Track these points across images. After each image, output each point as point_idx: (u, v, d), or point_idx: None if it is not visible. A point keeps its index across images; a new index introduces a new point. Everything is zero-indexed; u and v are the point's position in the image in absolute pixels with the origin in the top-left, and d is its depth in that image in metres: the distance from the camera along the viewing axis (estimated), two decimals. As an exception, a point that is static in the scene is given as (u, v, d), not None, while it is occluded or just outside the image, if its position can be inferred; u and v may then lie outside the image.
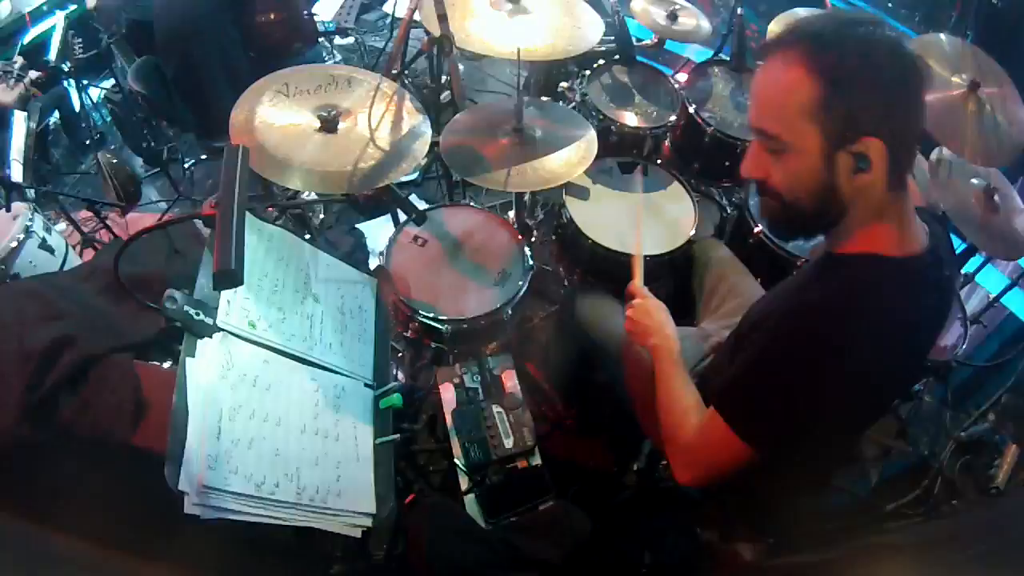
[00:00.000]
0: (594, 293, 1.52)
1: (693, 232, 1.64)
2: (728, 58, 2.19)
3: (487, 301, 1.49)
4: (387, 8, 3.15)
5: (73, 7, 2.79)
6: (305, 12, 2.51)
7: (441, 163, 1.88)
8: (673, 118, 1.96)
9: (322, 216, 2.43)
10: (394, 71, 1.79)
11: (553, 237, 1.83)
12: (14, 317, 1.12)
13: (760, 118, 0.85)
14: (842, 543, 1.68)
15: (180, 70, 2.13)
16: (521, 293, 1.51)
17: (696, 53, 3.14)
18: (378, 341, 1.23)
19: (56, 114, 2.91)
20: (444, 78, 1.92)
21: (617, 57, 2.09)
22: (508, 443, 1.26)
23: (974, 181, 1.71)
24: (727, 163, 1.93)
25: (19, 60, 2.28)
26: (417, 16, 1.70)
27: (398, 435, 1.11)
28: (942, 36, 1.70)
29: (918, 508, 1.86)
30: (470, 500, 1.24)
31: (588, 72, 2.04)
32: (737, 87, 2.06)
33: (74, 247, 2.09)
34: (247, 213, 0.94)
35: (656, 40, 2.24)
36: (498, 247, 1.62)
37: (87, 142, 2.94)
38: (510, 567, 1.17)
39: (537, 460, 1.28)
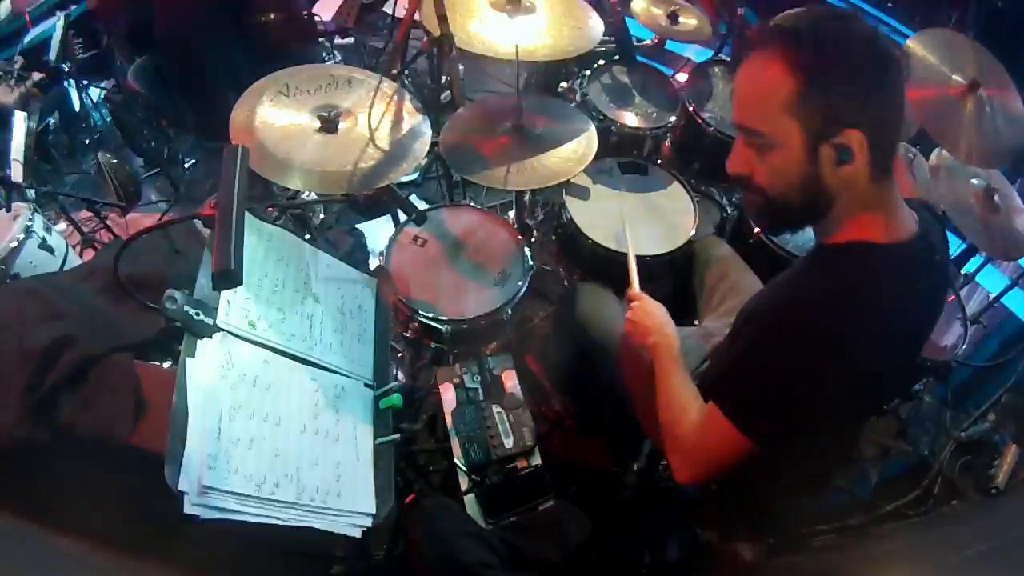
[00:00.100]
0: (593, 288, 1.52)
1: (693, 232, 1.64)
2: (728, 58, 2.19)
3: (487, 301, 1.49)
4: (387, 8, 3.15)
5: (73, 7, 2.79)
6: (305, 12, 2.51)
7: (441, 163, 1.88)
8: (673, 118, 1.97)
9: (322, 216, 2.43)
10: (394, 71, 1.79)
11: (553, 237, 1.83)
12: (14, 317, 1.12)
13: (742, 115, 0.86)
14: (842, 543, 1.68)
15: (180, 70, 2.14)
16: (521, 293, 1.51)
17: (696, 53, 3.14)
18: (378, 341, 1.23)
19: (56, 114, 2.91)
20: (444, 78, 1.91)
21: (617, 57, 2.09)
22: (508, 443, 1.26)
23: (974, 181, 1.71)
24: (727, 173, 1.92)
25: (19, 60, 2.29)
26: (417, 16, 1.70)
27: (398, 435, 1.11)
28: (943, 32, 1.70)
29: (918, 508, 1.86)
30: (470, 500, 1.24)
31: (588, 72, 2.04)
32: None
33: (74, 247, 2.09)
34: (247, 213, 0.94)
35: (656, 40, 2.24)
36: (498, 247, 1.62)
37: (87, 142, 2.94)
38: (510, 567, 1.17)
39: (537, 460, 1.28)
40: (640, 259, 1.35)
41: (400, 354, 1.73)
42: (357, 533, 0.96)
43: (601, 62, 2.08)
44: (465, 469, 1.25)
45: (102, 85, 2.89)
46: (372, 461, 1.05)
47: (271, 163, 1.30)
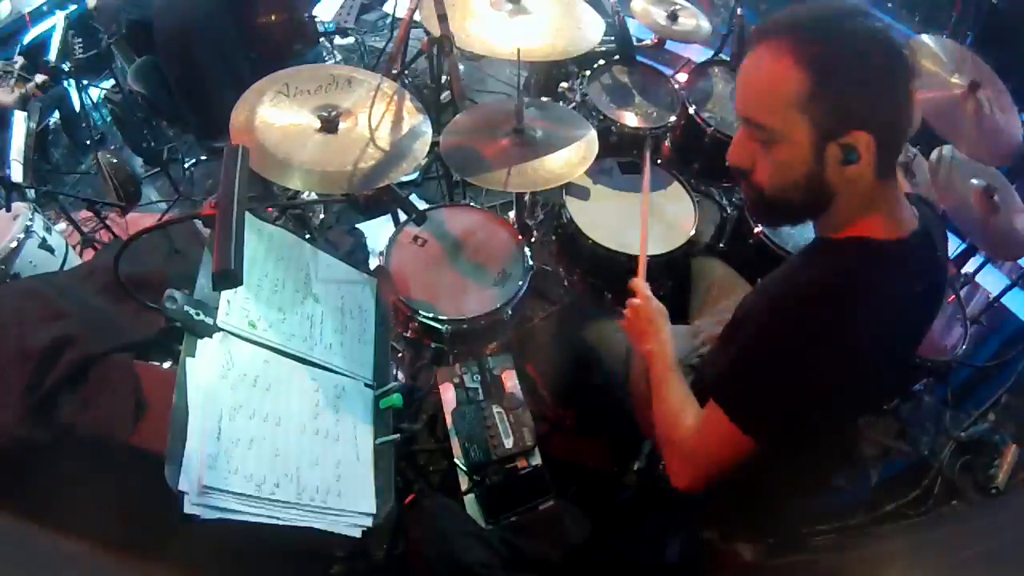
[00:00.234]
0: (599, 315, 1.51)
1: (693, 232, 1.64)
2: (728, 58, 2.19)
3: (487, 301, 1.49)
4: (387, 8, 3.15)
5: (73, 7, 2.79)
6: (305, 13, 2.51)
7: (441, 163, 1.88)
8: (673, 118, 1.96)
9: (322, 216, 2.43)
10: (394, 71, 1.80)
11: (553, 237, 1.83)
12: (14, 317, 1.13)
13: (748, 108, 0.84)
14: (842, 543, 1.68)
15: (180, 70, 2.13)
16: (521, 293, 1.51)
17: (696, 53, 3.14)
18: (378, 341, 1.23)
19: (56, 114, 2.91)
20: (444, 78, 1.92)
21: (617, 57, 2.09)
22: (508, 443, 1.25)
23: (974, 181, 1.71)
24: (727, 163, 1.92)
25: (19, 60, 2.29)
26: (417, 16, 1.70)
27: (398, 435, 1.11)
28: (937, 39, 1.72)
29: (918, 508, 1.86)
30: (470, 500, 1.24)
31: (588, 72, 2.04)
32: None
33: (74, 247, 2.10)
34: (247, 213, 0.94)
35: (656, 40, 2.24)
36: (498, 247, 1.62)
37: (87, 142, 2.94)
38: (510, 567, 1.17)
39: (537, 460, 1.27)
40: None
41: (400, 354, 1.73)
42: (357, 533, 0.96)
43: (601, 62, 2.08)
44: (465, 469, 1.24)
45: (102, 85, 2.89)
46: (372, 461, 1.05)
47: (271, 163, 1.30)
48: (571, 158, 1.52)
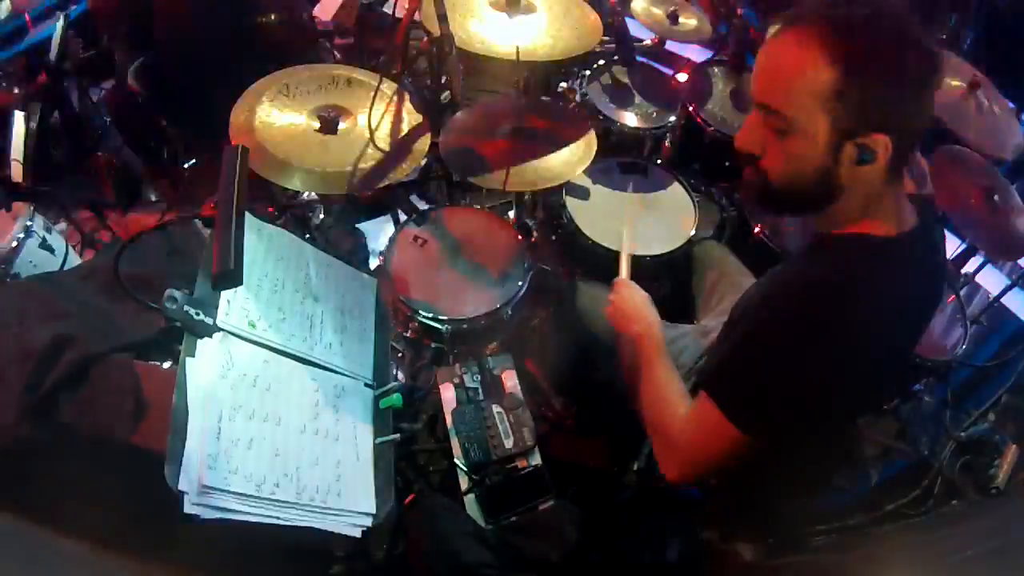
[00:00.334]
0: (591, 285, 1.52)
1: (693, 232, 1.64)
2: (728, 58, 2.19)
3: (487, 301, 1.49)
4: (387, 8, 3.15)
5: (73, 7, 2.79)
6: (305, 13, 2.51)
7: (441, 163, 1.88)
8: (673, 118, 1.96)
9: (322, 216, 2.43)
10: (394, 71, 1.79)
11: (553, 237, 1.83)
12: (14, 317, 1.12)
13: (765, 92, 0.82)
14: (842, 543, 1.68)
15: (180, 70, 2.13)
16: (521, 293, 1.51)
17: (696, 53, 3.13)
18: (378, 341, 1.23)
19: (56, 114, 2.90)
20: (444, 78, 1.91)
21: (617, 57, 2.09)
22: (508, 443, 1.25)
23: (974, 181, 1.71)
24: (727, 163, 1.93)
25: (19, 60, 2.29)
26: (417, 16, 1.70)
27: (398, 435, 1.11)
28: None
29: (918, 508, 1.86)
30: (470, 500, 1.24)
31: (588, 72, 2.04)
32: (737, 87, 2.06)
33: (74, 247, 2.09)
34: (247, 213, 0.94)
35: (656, 40, 2.24)
36: (498, 247, 1.62)
37: (87, 142, 2.94)
38: (510, 567, 1.17)
39: (537, 460, 1.27)
40: (640, 259, 1.36)
41: (400, 354, 1.73)
42: (357, 533, 0.96)
43: (601, 62, 2.08)
44: (465, 469, 1.24)
45: (102, 85, 2.89)
46: (372, 461, 1.05)
47: (271, 163, 1.31)
48: (571, 157, 1.52)
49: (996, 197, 1.68)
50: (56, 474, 1.02)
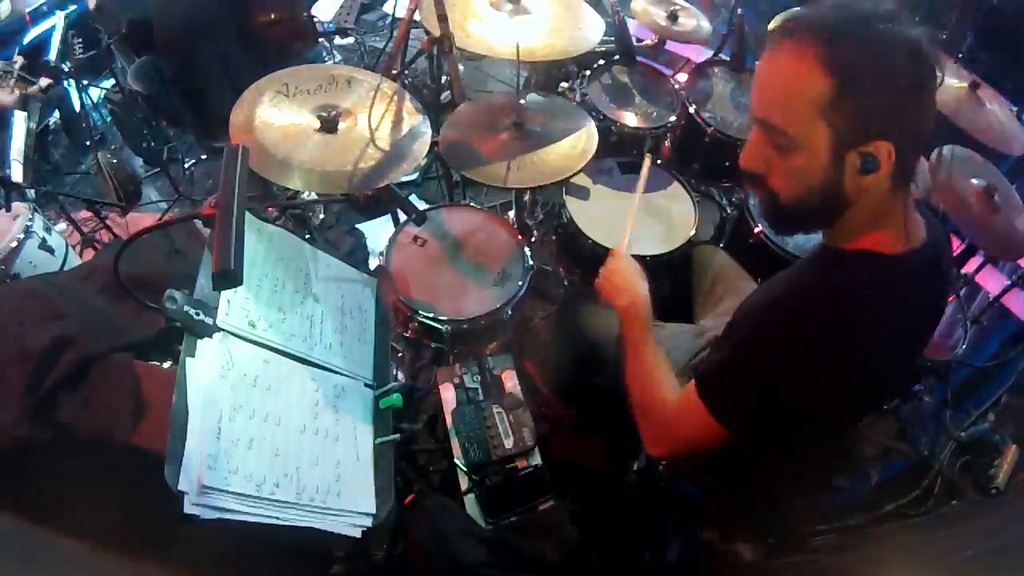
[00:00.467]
0: (597, 303, 1.52)
1: (693, 232, 1.64)
2: (728, 58, 2.19)
3: (487, 301, 1.49)
4: (387, 8, 3.15)
5: (73, 7, 2.79)
6: (305, 13, 2.51)
7: (441, 163, 1.88)
8: (673, 118, 1.96)
9: (322, 216, 2.43)
10: (394, 71, 1.79)
11: (553, 237, 1.83)
12: (14, 317, 1.13)
13: (764, 109, 0.81)
14: (842, 543, 1.68)
15: (180, 70, 2.14)
16: (521, 293, 1.51)
17: (696, 53, 3.14)
18: (378, 341, 1.23)
19: (56, 114, 2.91)
20: (444, 78, 1.92)
21: (617, 57, 2.09)
22: (508, 443, 1.25)
23: (974, 181, 1.71)
24: (727, 163, 1.93)
25: (19, 60, 2.29)
26: (417, 16, 1.70)
27: (398, 435, 1.11)
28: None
29: (918, 508, 1.86)
30: (470, 500, 1.24)
31: (588, 72, 2.04)
32: (737, 87, 2.06)
33: (74, 247, 2.10)
34: (247, 213, 0.94)
35: (656, 40, 2.24)
36: (498, 247, 1.62)
37: (87, 142, 2.94)
38: (510, 567, 1.17)
39: (537, 460, 1.27)
40: (640, 259, 1.35)
41: (400, 354, 1.73)
42: (357, 533, 0.96)
43: (601, 62, 2.08)
44: (465, 469, 1.24)
45: (102, 85, 2.89)
46: (372, 461, 1.05)
47: (271, 163, 1.30)
48: (571, 151, 1.52)
49: (996, 197, 1.68)
50: (56, 474, 1.02)
